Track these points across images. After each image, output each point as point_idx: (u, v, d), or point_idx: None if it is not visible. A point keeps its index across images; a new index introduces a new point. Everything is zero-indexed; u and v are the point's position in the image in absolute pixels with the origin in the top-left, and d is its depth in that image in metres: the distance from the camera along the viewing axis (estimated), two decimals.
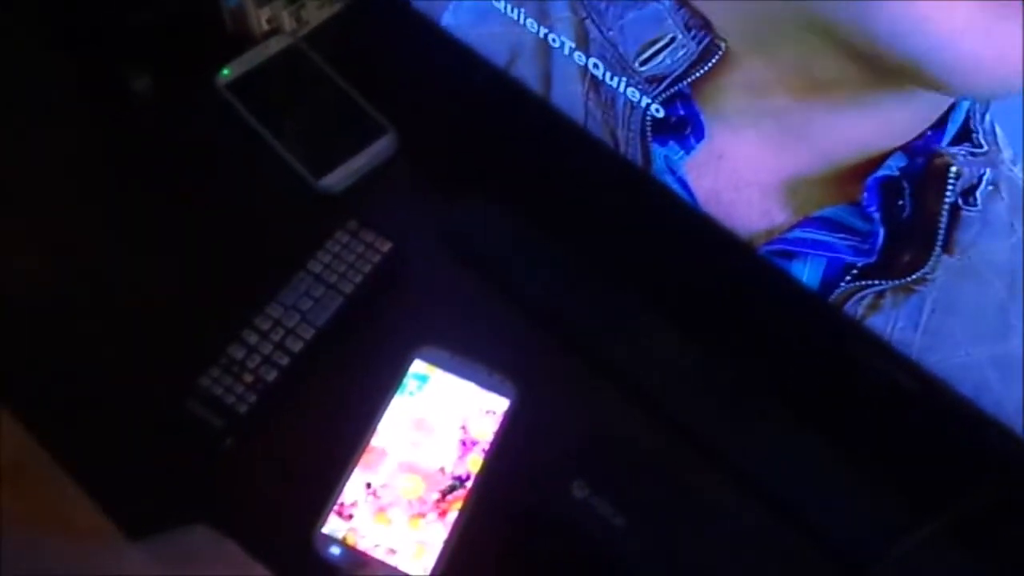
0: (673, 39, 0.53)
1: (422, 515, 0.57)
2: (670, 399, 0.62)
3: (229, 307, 0.63)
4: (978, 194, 0.46)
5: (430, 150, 0.73)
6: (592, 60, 0.58)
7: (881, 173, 0.49)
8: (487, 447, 0.59)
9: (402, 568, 0.55)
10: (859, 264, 0.53)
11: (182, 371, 0.60)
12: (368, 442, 0.59)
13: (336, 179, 0.70)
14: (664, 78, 0.55)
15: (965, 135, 0.45)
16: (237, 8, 0.75)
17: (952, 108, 0.44)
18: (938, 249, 0.49)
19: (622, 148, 0.61)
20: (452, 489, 0.57)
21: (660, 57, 0.54)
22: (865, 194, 0.50)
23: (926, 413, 0.56)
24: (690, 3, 0.51)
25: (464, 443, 0.59)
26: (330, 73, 0.74)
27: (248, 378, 0.60)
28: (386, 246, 0.65)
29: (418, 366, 0.61)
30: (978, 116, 0.44)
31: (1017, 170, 0.44)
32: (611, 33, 0.56)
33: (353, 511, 0.57)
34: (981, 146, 0.44)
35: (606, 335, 0.65)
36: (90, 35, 0.76)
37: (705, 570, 0.56)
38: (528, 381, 0.61)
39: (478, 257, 0.68)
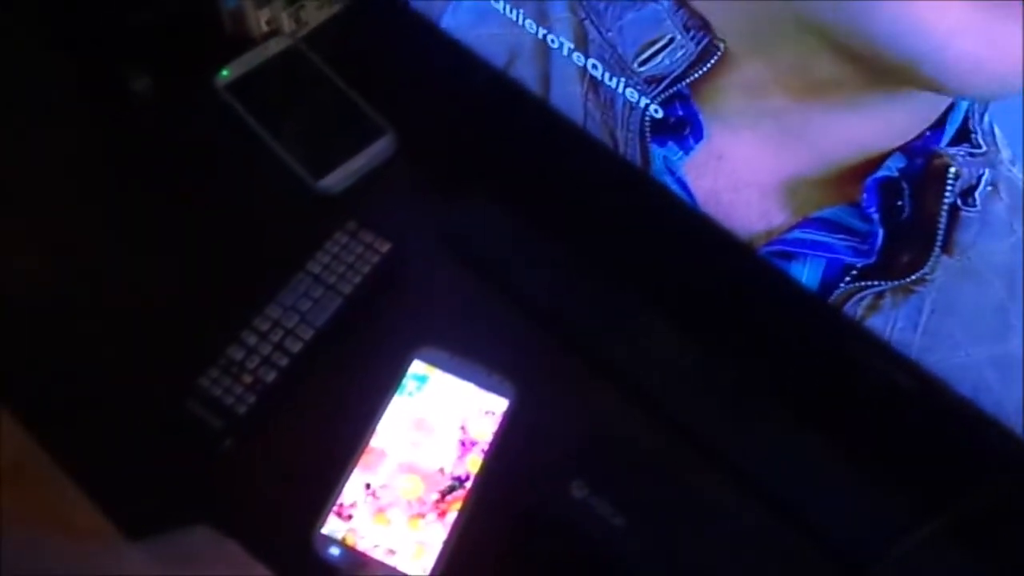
0: (672, 40, 0.53)
1: (421, 515, 0.57)
2: (669, 399, 0.62)
3: (228, 307, 0.63)
4: (977, 195, 0.46)
5: (429, 151, 0.73)
6: (591, 61, 0.58)
7: (880, 174, 0.49)
8: (486, 447, 0.59)
9: (401, 568, 0.55)
10: (858, 265, 0.53)
11: (182, 371, 0.60)
12: (367, 443, 0.59)
13: (335, 180, 0.70)
14: (663, 79, 0.55)
15: (964, 136, 0.45)
16: (236, 9, 0.75)
17: (950, 109, 0.44)
18: (937, 250, 0.49)
19: (621, 149, 0.61)
20: (451, 489, 0.58)
21: (659, 58, 0.54)
22: (864, 195, 0.50)
23: (926, 413, 0.56)
24: (689, 4, 0.51)
25: (463, 443, 0.59)
26: (329, 74, 0.74)
27: (247, 379, 0.60)
28: (385, 247, 0.65)
29: (417, 366, 0.61)
30: (977, 117, 0.44)
31: (1016, 170, 0.44)
32: (610, 34, 0.56)
33: (352, 512, 0.57)
34: (980, 147, 0.44)
35: (605, 335, 0.65)
36: (90, 35, 0.76)
37: (705, 570, 0.56)
38: (527, 381, 0.61)
39: (477, 257, 0.68)
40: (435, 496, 0.57)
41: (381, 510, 0.57)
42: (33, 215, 0.69)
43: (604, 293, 0.67)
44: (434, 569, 0.55)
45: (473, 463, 0.58)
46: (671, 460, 0.61)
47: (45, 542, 0.55)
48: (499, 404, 0.60)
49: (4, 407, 0.60)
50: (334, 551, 0.56)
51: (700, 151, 0.57)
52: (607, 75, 0.58)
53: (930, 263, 0.50)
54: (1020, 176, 0.44)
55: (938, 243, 0.49)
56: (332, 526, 0.56)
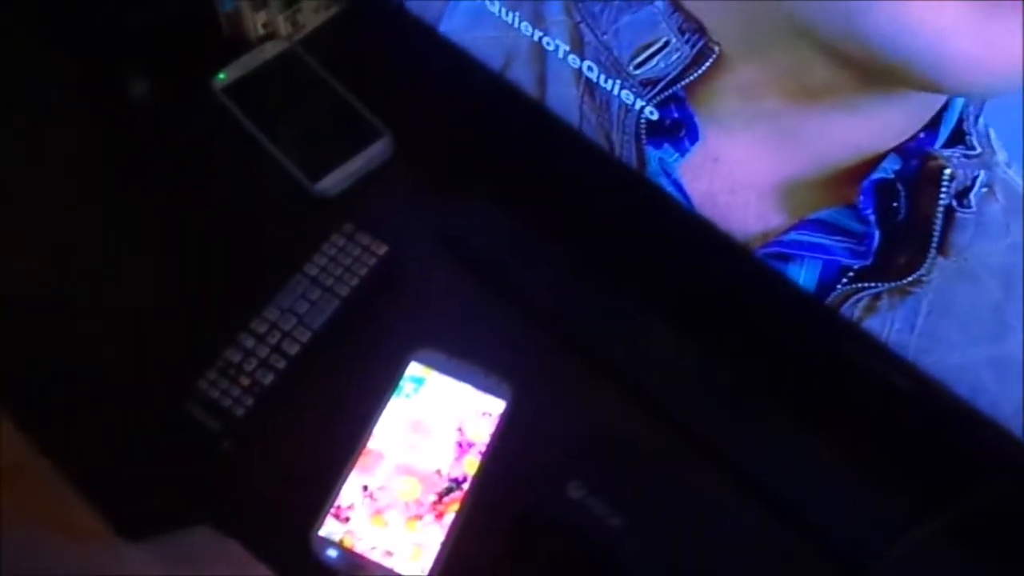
0: (667, 43, 0.53)
1: (419, 517, 0.57)
2: (667, 399, 0.63)
3: (226, 309, 0.63)
4: (972, 196, 0.46)
5: (426, 153, 0.73)
6: (587, 63, 0.58)
7: (876, 176, 0.49)
8: (483, 449, 0.59)
9: (399, 570, 0.55)
10: (855, 266, 0.53)
11: (181, 373, 0.60)
12: (364, 445, 0.59)
13: (332, 182, 0.70)
14: (658, 81, 0.55)
15: (959, 137, 0.45)
16: (233, 12, 0.75)
17: (944, 109, 0.44)
18: (933, 251, 0.49)
19: (617, 151, 0.61)
20: (449, 491, 0.58)
21: (654, 61, 0.54)
22: (860, 197, 0.50)
23: (924, 414, 0.56)
24: (684, 7, 0.51)
25: (460, 445, 0.59)
26: (326, 77, 0.74)
27: (245, 381, 0.60)
28: (382, 249, 0.65)
29: (414, 368, 0.62)
30: (971, 119, 0.44)
31: (1012, 173, 0.44)
32: (605, 37, 0.56)
33: (350, 513, 0.57)
34: (975, 148, 0.44)
35: (602, 336, 0.65)
36: (90, 35, 0.76)
37: (704, 570, 0.56)
38: (524, 383, 0.61)
39: (474, 259, 0.68)
40: (432, 498, 0.57)
41: (379, 512, 0.57)
42: (33, 215, 0.69)
43: (601, 294, 0.67)
44: (432, 570, 0.55)
45: (470, 464, 0.59)
46: (669, 460, 0.61)
47: (45, 542, 0.55)
48: (496, 405, 0.60)
49: (4, 408, 0.60)
50: (332, 553, 0.56)
51: (696, 153, 0.57)
52: (603, 78, 0.58)
53: (926, 264, 0.49)
54: (1016, 178, 0.44)
55: (934, 245, 0.49)
56: (330, 528, 0.56)
